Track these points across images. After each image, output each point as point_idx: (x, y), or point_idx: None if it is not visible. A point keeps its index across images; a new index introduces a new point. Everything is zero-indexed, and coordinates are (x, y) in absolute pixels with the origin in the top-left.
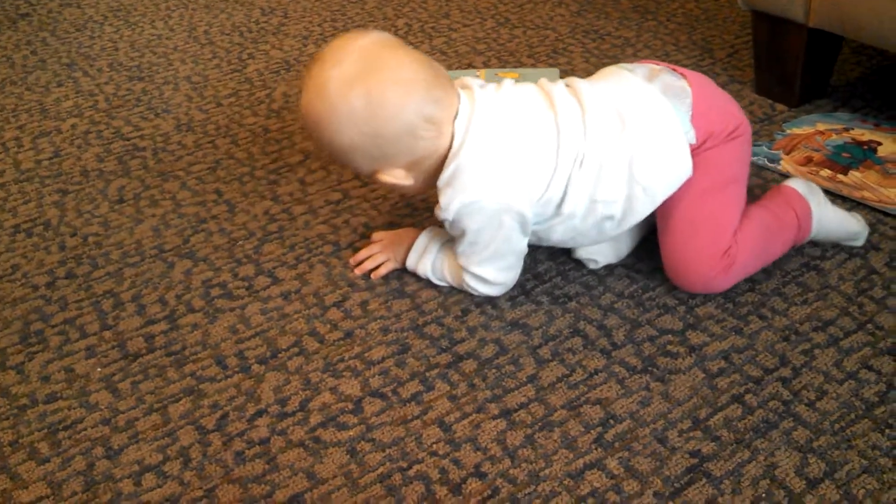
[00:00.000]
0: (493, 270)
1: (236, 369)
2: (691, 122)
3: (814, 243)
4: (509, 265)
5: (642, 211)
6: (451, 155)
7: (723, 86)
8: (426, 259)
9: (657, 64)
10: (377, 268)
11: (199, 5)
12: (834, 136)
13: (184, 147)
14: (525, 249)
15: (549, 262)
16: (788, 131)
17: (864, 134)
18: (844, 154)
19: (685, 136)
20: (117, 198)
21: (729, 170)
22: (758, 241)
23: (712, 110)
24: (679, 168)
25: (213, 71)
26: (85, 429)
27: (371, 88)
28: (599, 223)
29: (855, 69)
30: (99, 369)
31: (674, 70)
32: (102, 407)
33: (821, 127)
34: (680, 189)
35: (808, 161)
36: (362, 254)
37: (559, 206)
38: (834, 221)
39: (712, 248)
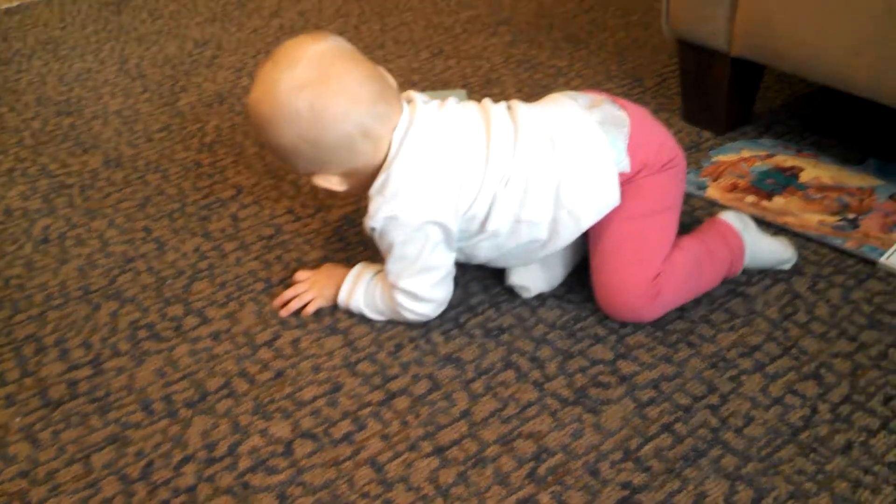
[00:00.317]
0: (423, 285)
1: (163, 414)
2: (627, 151)
3: (742, 270)
4: (439, 280)
5: (567, 235)
6: (384, 166)
7: (652, 113)
8: (358, 291)
9: (600, 94)
10: (305, 306)
11: (131, 38)
12: (758, 163)
13: (112, 184)
14: (453, 265)
15: (482, 294)
16: (715, 158)
17: (786, 160)
18: (768, 180)
19: (619, 164)
20: (42, 237)
21: (661, 198)
22: (688, 272)
23: (649, 141)
24: (606, 195)
25: (144, 105)
26: (2, 482)
27: (317, 96)
28: (526, 244)
29: (777, 96)
30: (18, 419)
31: (615, 101)
32: (21, 459)
33: (746, 154)
34: (610, 214)
35: (734, 188)
36: (288, 293)
37: (484, 223)
38: (766, 251)
39: (640, 274)
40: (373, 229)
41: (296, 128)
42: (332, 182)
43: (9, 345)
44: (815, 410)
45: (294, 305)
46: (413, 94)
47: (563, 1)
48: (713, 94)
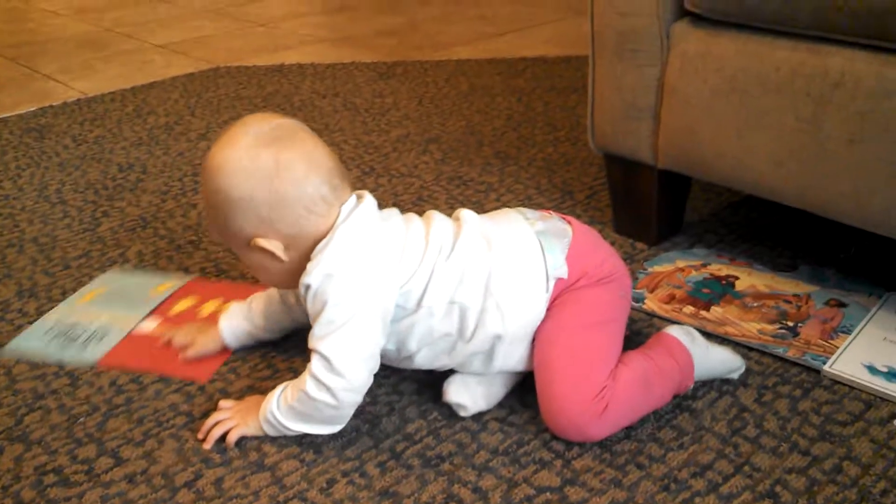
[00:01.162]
0: (343, 353)
1: None
2: (567, 259)
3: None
4: (361, 356)
5: (492, 327)
6: (330, 231)
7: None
8: (272, 401)
9: (550, 213)
10: (228, 433)
11: (53, 163)
12: (693, 273)
13: (24, 315)
14: (378, 353)
15: (420, 420)
16: (650, 269)
17: (721, 269)
18: (704, 290)
19: (557, 269)
20: None
21: (602, 309)
22: (635, 388)
23: (590, 254)
24: (533, 296)
25: (63, 231)
26: None
27: (282, 154)
28: (456, 332)
29: (706, 206)
30: None
31: (562, 218)
32: None
33: (680, 264)
34: (552, 327)
35: (671, 298)
36: (209, 422)
37: (420, 299)
38: (716, 362)
39: (585, 387)
40: (308, 287)
41: (256, 179)
42: (276, 247)
43: None
44: None
45: (216, 433)
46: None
47: (491, 118)
48: (643, 206)
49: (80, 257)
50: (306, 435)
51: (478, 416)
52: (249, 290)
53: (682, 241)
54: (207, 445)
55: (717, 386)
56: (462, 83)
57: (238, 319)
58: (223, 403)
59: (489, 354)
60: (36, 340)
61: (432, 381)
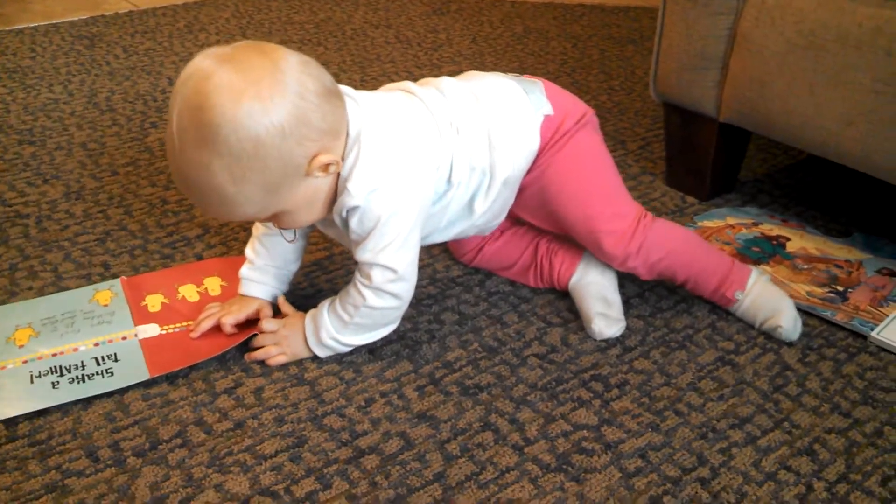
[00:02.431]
0: (403, 261)
1: (109, 462)
2: (547, 98)
3: (728, 337)
4: (413, 258)
5: (500, 174)
6: (349, 144)
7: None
8: (322, 323)
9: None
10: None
11: (103, 72)
12: (744, 230)
13: (72, 216)
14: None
15: (460, 350)
16: (700, 224)
17: (772, 229)
18: (755, 248)
19: (541, 108)
20: None
21: (593, 149)
22: (674, 231)
23: (562, 94)
24: (530, 135)
25: (112, 139)
26: None
27: (274, 60)
28: (471, 197)
29: (761, 166)
30: None
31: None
32: None
33: (731, 221)
34: (559, 176)
35: None
36: (258, 354)
37: (449, 177)
38: (766, 293)
39: (618, 211)
40: (354, 208)
41: (284, 89)
42: (333, 157)
43: None
44: (810, 488)
45: (260, 357)
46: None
47: (545, 62)
48: (698, 160)
49: (127, 165)
50: (345, 355)
51: (518, 352)
52: (196, 268)
53: (733, 198)
54: (249, 359)
55: (760, 343)
56: (517, 25)
57: (264, 277)
58: (267, 326)
59: (489, 206)
60: (25, 395)
61: (475, 314)
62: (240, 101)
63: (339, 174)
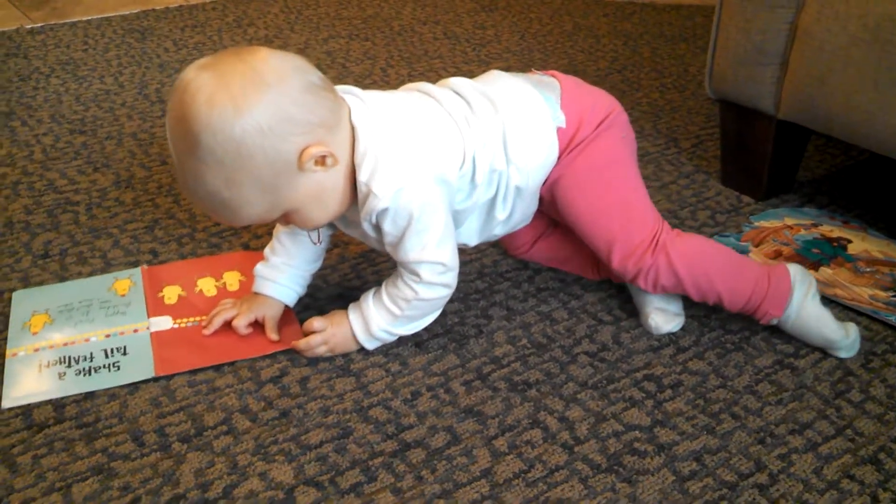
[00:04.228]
0: (447, 252)
1: (154, 447)
2: (561, 108)
3: (787, 339)
4: (454, 245)
5: (514, 182)
6: (363, 150)
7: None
8: (371, 316)
9: (532, 71)
10: None
11: (153, 64)
12: (803, 231)
13: (121, 204)
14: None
15: (508, 346)
16: (756, 224)
17: (832, 231)
18: (814, 250)
19: (555, 119)
20: (42, 252)
21: (609, 158)
22: (703, 251)
23: (581, 100)
24: (547, 146)
25: (161, 129)
26: None
27: (254, 62)
28: (489, 203)
29: (820, 166)
30: None
31: (544, 73)
32: None
33: (789, 221)
34: (575, 186)
35: (778, 255)
36: (300, 344)
37: (473, 177)
38: (813, 319)
39: (636, 227)
40: (384, 210)
41: (269, 90)
42: (326, 149)
43: None
44: (875, 499)
45: (300, 346)
46: (343, 86)
47: (595, 59)
48: (755, 158)
49: None
50: (391, 348)
51: (567, 349)
52: (217, 261)
53: (791, 199)
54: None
55: (821, 348)
56: (566, 22)
57: (279, 276)
58: (315, 324)
59: (510, 214)
60: (32, 385)
61: (524, 310)
62: (212, 106)
63: (355, 177)
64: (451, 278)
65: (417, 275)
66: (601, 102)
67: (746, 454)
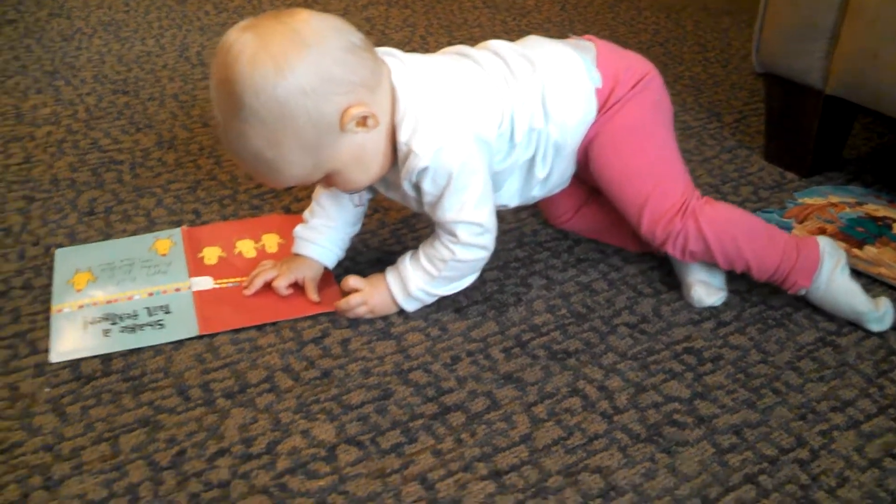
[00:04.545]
0: (485, 213)
1: (199, 402)
2: (597, 67)
3: (830, 317)
4: (492, 208)
5: (554, 141)
6: (403, 110)
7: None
8: (408, 276)
9: (569, 36)
10: None
11: (194, 27)
12: (847, 210)
13: (164, 164)
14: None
15: (547, 315)
16: (800, 200)
17: (878, 210)
18: (859, 228)
19: (591, 79)
20: (87, 209)
21: (643, 120)
22: (735, 221)
23: (616, 59)
24: (585, 103)
25: (203, 91)
26: (24, 454)
27: (295, 22)
28: (528, 163)
29: (866, 144)
30: (47, 389)
31: (580, 38)
32: (46, 431)
33: (833, 199)
34: (610, 146)
35: (822, 232)
36: (341, 304)
37: (511, 136)
38: (841, 292)
39: (664, 191)
40: (424, 169)
41: (311, 50)
42: (368, 109)
43: (43, 312)
44: None
45: (341, 306)
46: (383, 48)
47: (637, 32)
48: (801, 134)
49: None
50: (430, 313)
51: (607, 320)
52: (256, 223)
53: (836, 176)
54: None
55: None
56: None
57: (319, 237)
58: (354, 283)
59: (549, 173)
60: (78, 340)
61: (563, 280)
62: (254, 67)
63: (395, 138)
64: (489, 240)
65: (455, 235)
66: (636, 65)
67: (787, 429)
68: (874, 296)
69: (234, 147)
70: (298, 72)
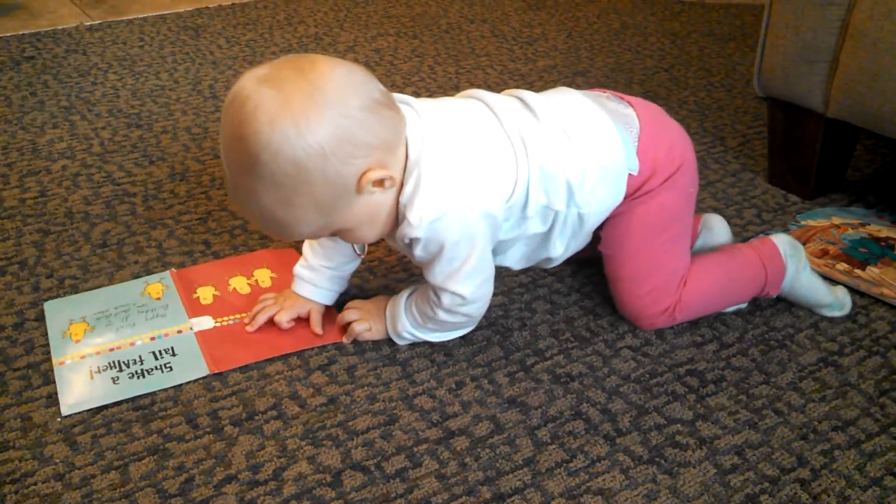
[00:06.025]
0: (473, 286)
1: (207, 429)
2: (637, 153)
3: (831, 338)
4: (485, 278)
5: (573, 221)
6: (409, 167)
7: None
8: (400, 316)
9: (604, 91)
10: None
11: (207, 61)
12: (850, 231)
13: (176, 196)
14: (493, 267)
15: (551, 339)
16: (803, 222)
17: (881, 230)
18: (861, 249)
19: (629, 167)
20: (100, 242)
21: (670, 219)
22: (709, 296)
23: (657, 141)
24: (614, 194)
25: (214, 124)
26: (35, 483)
27: (319, 72)
28: (542, 236)
29: (869, 166)
30: (59, 419)
31: (621, 98)
32: (57, 461)
33: (836, 220)
34: (625, 234)
35: (825, 254)
36: (346, 315)
37: (524, 208)
38: (805, 287)
39: (656, 298)
40: (416, 239)
41: (331, 109)
42: (386, 172)
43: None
44: None
45: (346, 318)
46: (402, 96)
47: (643, 58)
48: (803, 157)
49: None
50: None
51: (610, 343)
52: (245, 259)
53: (839, 198)
54: (346, 340)
55: (866, 346)
56: (614, 21)
57: (319, 279)
58: (354, 303)
59: (564, 251)
60: (87, 390)
61: (567, 304)
62: (274, 126)
63: (399, 195)
64: (473, 310)
65: (440, 299)
66: (677, 146)
67: (789, 449)
68: (883, 318)
69: (242, 202)
70: (320, 135)
